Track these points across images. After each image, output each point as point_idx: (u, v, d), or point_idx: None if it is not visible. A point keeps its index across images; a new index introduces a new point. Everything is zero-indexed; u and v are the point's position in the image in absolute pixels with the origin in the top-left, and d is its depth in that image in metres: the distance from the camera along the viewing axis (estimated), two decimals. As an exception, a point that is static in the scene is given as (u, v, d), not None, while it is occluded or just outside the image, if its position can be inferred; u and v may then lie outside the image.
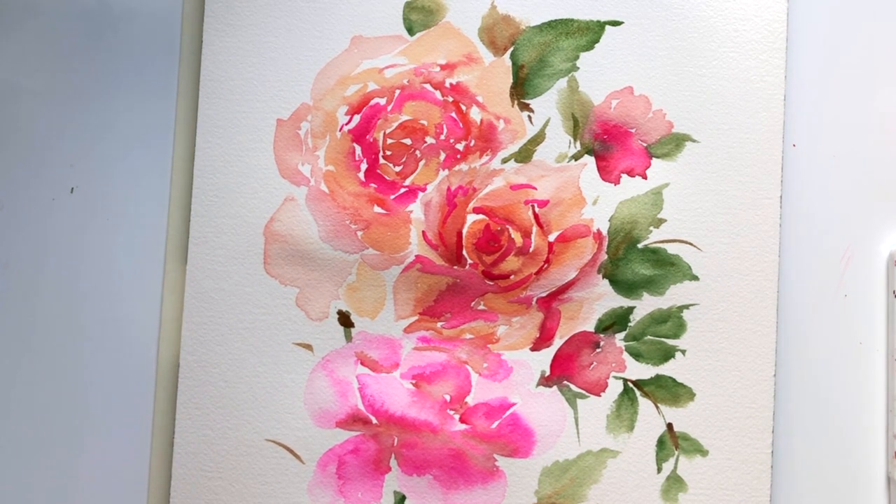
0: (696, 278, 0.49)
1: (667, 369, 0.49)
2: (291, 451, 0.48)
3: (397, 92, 0.50)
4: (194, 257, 0.49)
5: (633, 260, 0.49)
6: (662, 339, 0.49)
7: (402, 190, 0.49)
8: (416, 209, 0.49)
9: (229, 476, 0.48)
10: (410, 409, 0.49)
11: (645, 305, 0.49)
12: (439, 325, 0.49)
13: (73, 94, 0.51)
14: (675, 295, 0.49)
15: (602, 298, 0.49)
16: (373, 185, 0.49)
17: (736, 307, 0.48)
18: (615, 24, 0.50)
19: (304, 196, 0.49)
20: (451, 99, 0.50)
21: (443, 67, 0.50)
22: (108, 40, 0.51)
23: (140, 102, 0.51)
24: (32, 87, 0.51)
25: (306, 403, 0.49)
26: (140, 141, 0.51)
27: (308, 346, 0.49)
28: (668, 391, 0.48)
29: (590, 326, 0.49)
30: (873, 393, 0.48)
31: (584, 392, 0.49)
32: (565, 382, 0.49)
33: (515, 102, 0.50)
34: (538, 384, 0.49)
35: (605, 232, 0.49)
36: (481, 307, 0.49)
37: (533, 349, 0.49)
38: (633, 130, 0.49)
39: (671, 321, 0.49)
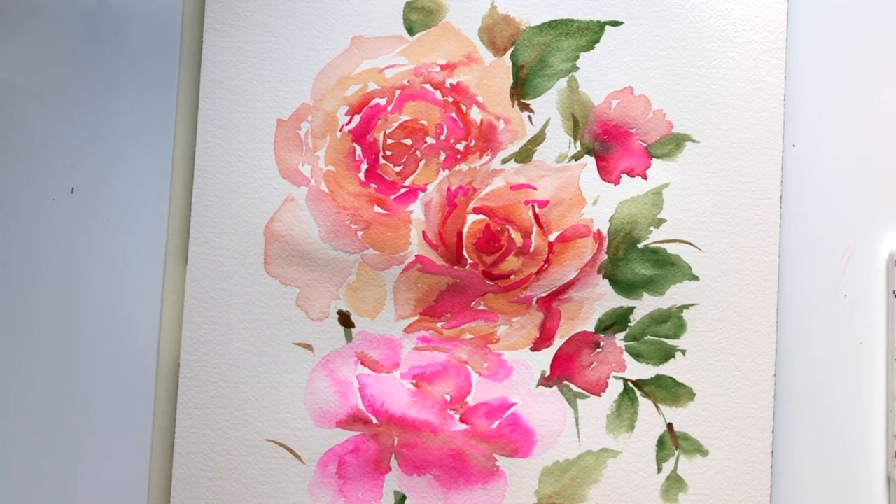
0: (696, 278, 0.49)
1: (667, 369, 0.49)
2: (292, 451, 0.48)
3: (397, 92, 0.50)
4: (195, 257, 0.49)
5: (633, 260, 0.49)
6: (662, 339, 0.49)
7: (403, 190, 0.49)
8: (416, 209, 0.49)
9: (229, 476, 0.48)
10: (411, 409, 0.49)
11: (645, 305, 0.49)
12: (439, 325, 0.49)
13: (74, 95, 0.51)
14: (675, 295, 0.49)
15: (602, 298, 0.49)
16: (373, 185, 0.49)
17: (736, 307, 0.48)
18: (615, 24, 0.50)
19: (304, 196, 0.49)
20: (451, 99, 0.50)
21: (443, 68, 0.50)
22: (108, 41, 0.51)
23: (140, 103, 0.51)
24: (33, 88, 0.51)
25: (306, 403, 0.49)
26: (140, 141, 0.51)
27: (308, 346, 0.49)
28: (668, 391, 0.48)
29: (590, 326, 0.49)
30: (873, 393, 0.48)
31: (584, 392, 0.49)
32: (565, 382, 0.49)
33: (515, 102, 0.50)
34: (538, 384, 0.49)
35: (605, 232, 0.49)
36: (481, 307, 0.49)
37: (533, 349, 0.49)
38: (633, 130, 0.49)
39: (671, 321, 0.49)
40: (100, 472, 0.49)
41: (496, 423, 0.48)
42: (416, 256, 0.49)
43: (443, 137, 0.49)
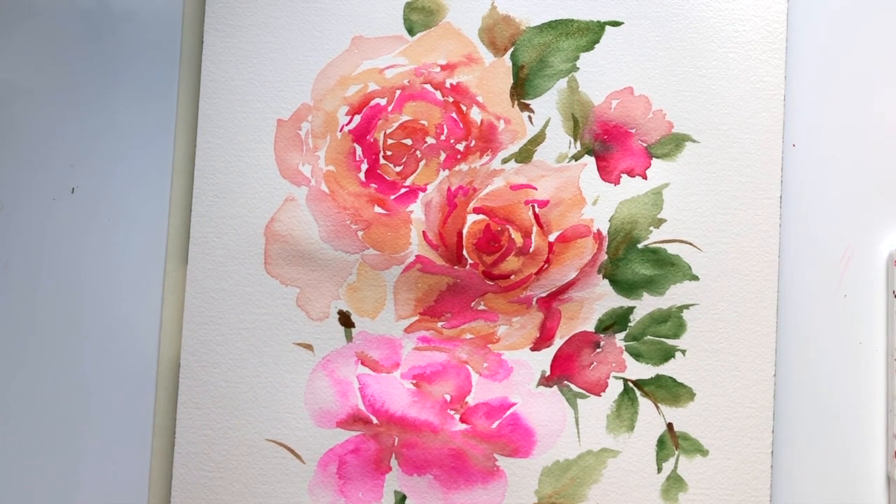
0: (696, 278, 0.49)
1: (667, 369, 0.49)
2: (292, 451, 0.49)
3: (398, 92, 0.50)
4: (195, 257, 0.49)
5: (633, 260, 0.49)
6: (662, 339, 0.49)
7: (403, 190, 0.49)
8: (416, 209, 0.49)
9: (230, 476, 0.48)
10: (411, 408, 0.49)
11: (645, 305, 0.49)
12: (440, 325, 0.49)
13: (74, 95, 0.51)
14: (675, 295, 0.49)
15: (602, 298, 0.49)
16: (373, 185, 0.49)
17: (736, 307, 0.48)
18: (615, 24, 0.50)
19: (304, 196, 0.49)
20: (451, 99, 0.50)
21: (443, 68, 0.50)
22: (108, 41, 0.51)
23: (140, 103, 0.51)
24: (33, 88, 0.51)
25: (307, 403, 0.49)
26: (141, 141, 0.51)
27: (308, 346, 0.49)
28: (668, 391, 0.48)
29: (590, 326, 0.49)
30: (873, 393, 0.48)
31: (584, 392, 0.49)
32: (565, 382, 0.49)
33: (516, 103, 0.50)
34: (538, 384, 0.49)
35: (605, 232, 0.49)
36: (481, 307, 0.49)
37: (533, 349, 0.49)
38: (633, 130, 0.49)
39: (671, 321, 0.49)
40: (100, 471, 0.49)
41: (496, 423, 0.49)
42: (417, 256, 0.49)
43: (443, 137, 0.49)
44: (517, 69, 0.50)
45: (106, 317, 0.50)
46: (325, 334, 0.49)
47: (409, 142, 0.49)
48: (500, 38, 0.50)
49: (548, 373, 0.49)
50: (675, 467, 0.48)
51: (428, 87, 0.50)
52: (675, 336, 0.49)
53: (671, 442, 0.48)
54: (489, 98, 0.50)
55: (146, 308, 0.50)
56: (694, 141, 0.49)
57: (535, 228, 0.49)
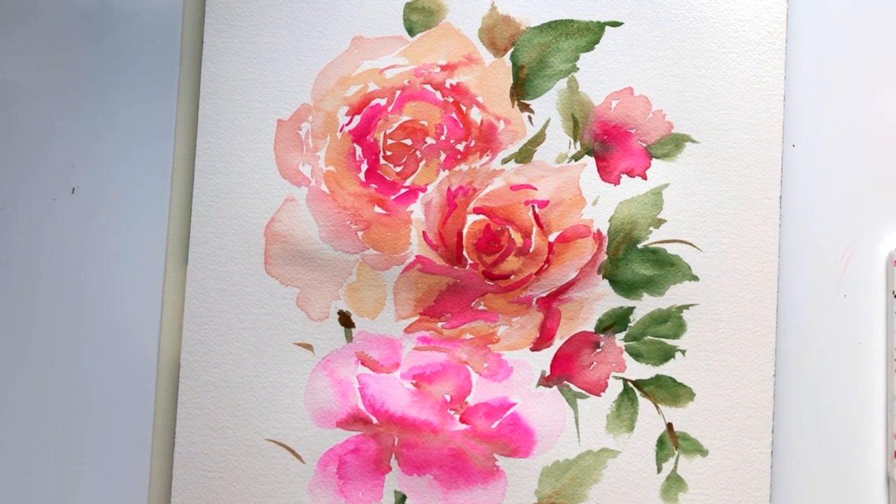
0: (695, 278, 0.49)
1: (667, 369, 0.49)
2: (292, 451, 0.49)
3: (398, 92, 0.50)
4: (195, 257, 0.49)
5: (633, 260, 0.49)
6: (662, 339, 0.49)
7: (403, 190, 0.49)
8: (416, 209, 0.49)
9: (230, 476, 0.48)
10: (411, 408, 0.49)
11: (645, 305, 0.49)
12: (440, 325, 0.49)
13: (74, 95, 0.51)
14: (674, 295, 0.49)
15: (602, 298, 0.49)
16: (373, 185, 0.49)
17: (736, 307, 0.48)
18: (615, 24, 0.50)
19: (304, 196, 0.49)
20: (451, 99, 0.50)
21: (443, 68, 0.50)
22: (108, 41, 0.51)
23: (141, 103, 0.51)
24: (33, 88, 0.51)
25: (307, 403, 0.49)
26: (141, 141, 0.51)
27: (308, 347, 0.49)
28: (668, 391, 0.48)
29: (590, 326, 0.49)
30: (873, 393, 0.48)
31: (584, 392, 0.49)
32: (565, 382, 0.49)
33: (515, 103, 0.50)
34: (538, 384, 0.49)
35: (605, 232, 0.49)
36: (481, 307, 0.49)
37: (533, 349, 0.49)
38: (632, 131, 0.49)
39: (671, 321, 0.49)
40: (100, 471, 0.49)
41: (496, 423, 0.49)
42: (417, 256, 0.49)
43: (443, 138, 0.49)
44: (517, 69, 0.50)
45: (106, 317, 0.50)
46: (325, 334, 0.49)
47: (409, 142, 0.50)
48: (500, 39, 0.50)
49: (548, 373, 0.49)
50: (675, 467, 0.48)
51: (428, 87, 0.50)
52: (675, 336, 0.49)
53: (671, 442, 0.48)
54: (489, 98, 0.50)
55: (146, 308, 0.50)
56: (694, 141, 0.49)
57: (535, 228, 0.49)
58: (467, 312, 0.49)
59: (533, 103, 0.50)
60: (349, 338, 0.49)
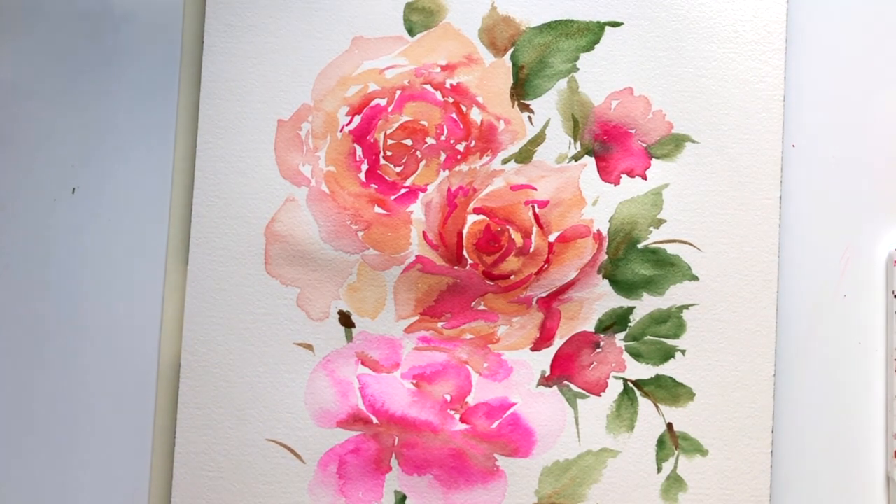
0: (695, 278, 0.49)
1: (667, 369, 0.49)
2: (292, 451, 0.49)
3: (398, 93, 0.50)
4: (195, 258, 0.50)
5: (633, 260, 0.49)
6: (662, 339, 0.49)
7: (403, 190, 0.49)
8: (416, 210, 0.49)
9: (230, 476, 0.48)
10: (411, 408, 0.49)
11: (645, 305, 0.49)
12: (440, 325, 0.49)
13: (75, 95, 0.51)
14: (674, 295, 0.49)
15: (602, 298, 0.49)
16: (373, 185, 0.50)
17: (736, 307, 0.48)
18: (615, 25, 0.50)
19: (304, 196, 0.50)
20: (451, 100, 0.50)
21: (443, 68, 0.50)
22: (109, 41, 0.51)
23: (141, 103, 0.51)
24: (34, 88, 0.51)
25: (307, 403, 0.49)
26: (141, 141, 0.51)
27: (309, 347, 0.49)
28: (668, 391, 0.48)
29: (590, 326, 0.49)
30: (873, 393, 0.48)
31: (584, 392, 0.49)
32: (565, 382, 0.49)
33: (516, 103, 0.50)
34: (538, 384, 0.49)
35: (605, 232, 0.49)
36: (481, 307, 0.49)
37: (533, 349, 0.49)
38: (632, 131, 0.49)
39: (671, 321, 0.49)
40: (100, 471, 0.49)
41: (496, 423, 0.49)
42: (417, 257, 0.49)
43: (443, 138, 0.49)
44: (517, 69, 0.50)
45: (106, 317, 0.50)
46: (326, 334, 0.49)
47: (409, 142, 0.50)
48: (500, 39, 0.50)
49: (548, 373, 0.49)
50: (675, 467, 0.48)
51: (428, 87, 0.50)
52: (675, 336, 0.49)
53: (671, 442, 0.48)
54: (489, 98, 0.50)
55: (147, 308, 0.50)
56: (694, 141, 0.49)
57: (535, 229, 0.49)
58: (467, 312, 0.49)
59: (533, 103, 0.50)
60: (349, 338, 0.49)
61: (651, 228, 0.49)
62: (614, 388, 0.49)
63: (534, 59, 0.50)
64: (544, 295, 0.49)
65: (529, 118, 0.50)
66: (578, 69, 0.50)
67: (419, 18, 0.50)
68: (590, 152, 0.50)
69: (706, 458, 0.48)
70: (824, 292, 0.49)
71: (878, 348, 0.49)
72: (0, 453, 0.50)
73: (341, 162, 0.50)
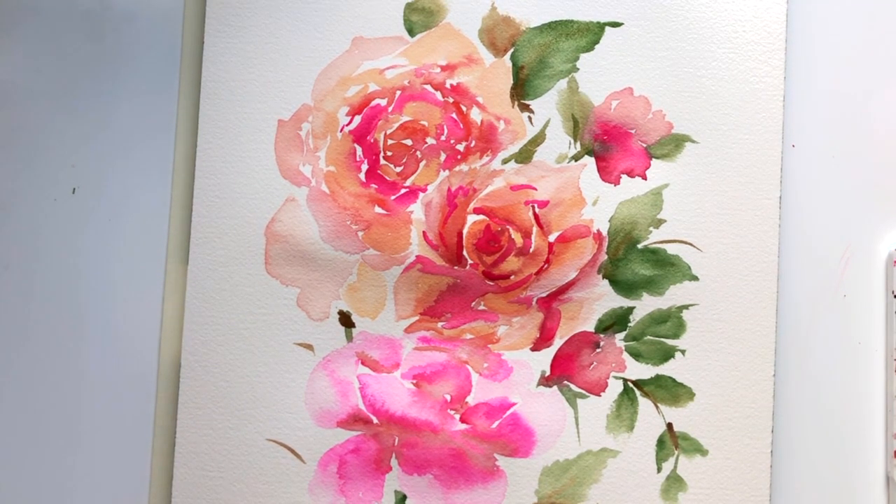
0: (695, 278, 0.49)
1: (667, 369, 0.49)
2: (292, 451, 0.49)
3: (398, 93, 0.50)
4: (195, 258, 0.50)
5: (633, 260, 0.49)
6: (662, 339, 0.49)
7: (403, 190, 0.49)
8: (416, 210, 0.49)
9: (230, 476, 0.48)
10: (411, 408, 0.49)
11: (645, 305, 0.49)
12: (440, 325, 0.49)
13: (75, 95, 0.51)
14: (674, 295, 0.49)
15: (602, 298, 0.49)
16: (373, 185, 0.50)
17: (736, 307, 0.49)
18: (615, 25, 0.50)
19: (305, 196, 0.50)
20: (451, 100, 0.50)
21: (443, 68, 0.50)
22: (109, 41, 0.51)
23: (141, 103, 0.51)
24: (34, 88, 0.51)
25: (307, 403, 0.49)
26: (141, 142, 0.51)
27: (309, 347, 0.49)
28: (668, 391, 0.48)
29: (590, 326, 0.49)
30: (873, 393, 0.49)
31: (584, 392, 0.49)
32: (565, 382, 0.49)
33: (516, 103, 0.50)
34: (538, 384, 0.49)
35: (605, 232, 0.49)
36: (482, 307, 0.49)
37: (533, 349, 0.49)
38: (632, 131, 0.50)
39: (671, 321, 0.49)
40: (101, 471, 0.49)
41: (496, 423, 0.49)
42: (417, 257, 0.49)
43: (443, 138, 0.50)
44: (517, 70, 0.50)
45: (106, 317, 0.50)
46: (326, 334, 0.49)
47: (409, 142, 0.50)
48: (501, 39, 0.50)
49: (548, 373, 0.49)
50: (675, 467, 0.48)
51: (428, 87, 0.50)
52: (675, 336, 0.49)
53: (671, 442, 0.48)
54: (489, 98, 0.50)
55: (147, 308, 0.50)
56: (694, 141, 0.49)
57: (535, 229, 0.49)
58: (467, 312, 0.49)
59: (533, 103, 0.50)
60: (349, 338, 0.49)
61: (651, 228, 0.49)
62: (614, 388, 0.49)
63: (534, 60, 0.50)
64: (544, 295, 0.49)
65: (529, 118, 0.50)
66: (578, 69, 0.50)
67: (419, 18, 0.50)
68: (590, 152, 0.50)
69: (706, 458, 0.48)
70: (824, 292, 0.49)
71: (878, 348, 0.49)
72: (0, 453, 0.50)
73: (341, 162, 0.50)
